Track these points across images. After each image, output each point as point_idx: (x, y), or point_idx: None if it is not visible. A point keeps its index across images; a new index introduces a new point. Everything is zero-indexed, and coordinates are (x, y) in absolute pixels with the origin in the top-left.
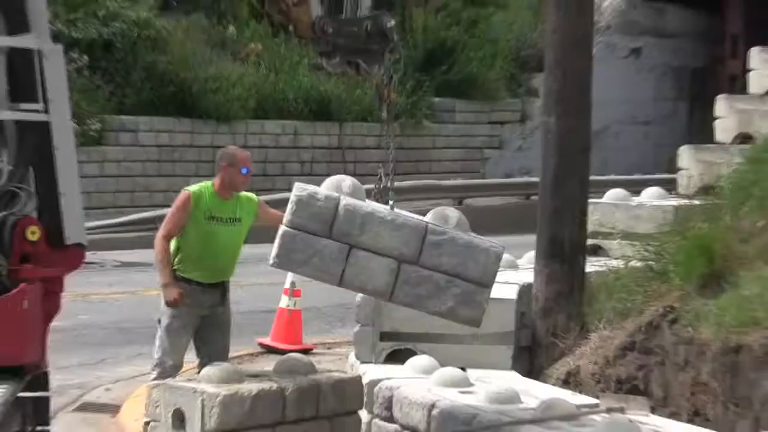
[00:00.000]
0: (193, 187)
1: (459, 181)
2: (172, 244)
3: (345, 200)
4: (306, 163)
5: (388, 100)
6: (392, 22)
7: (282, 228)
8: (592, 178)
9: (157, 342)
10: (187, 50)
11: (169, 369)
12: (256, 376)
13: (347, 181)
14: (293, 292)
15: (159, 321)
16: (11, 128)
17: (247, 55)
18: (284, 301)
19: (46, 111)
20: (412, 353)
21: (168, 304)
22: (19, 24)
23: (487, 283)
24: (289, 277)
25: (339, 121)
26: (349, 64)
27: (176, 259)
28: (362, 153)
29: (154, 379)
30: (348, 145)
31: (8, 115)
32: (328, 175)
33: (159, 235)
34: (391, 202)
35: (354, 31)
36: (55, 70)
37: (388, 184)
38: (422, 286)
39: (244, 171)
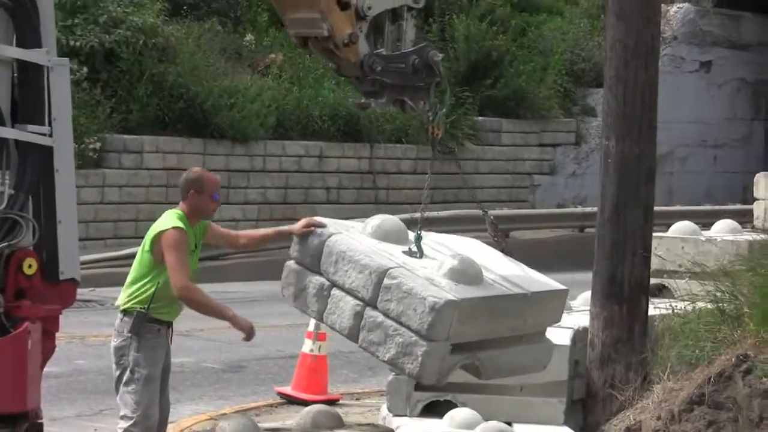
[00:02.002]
0: (178, 223)
1: (505, 211)
2: (144, 284)
3: (333, 236)
4: (332, 189)
5: (433, 135)
6: (439, 56)
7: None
8: (655, 208)
9: (133, 397)
10: (198, 61)
11: (154, 424)
12: (275, 430)
13: (376, 220)
14: (318, 336)
15: (129, 372)
16: (13, 149)
17: (266, 66)
18: (307, 346)
19: (51, 132)
20: (452, 405)
21: (248, 335)
22: (31, 39)
23: (426, 336)
24: (313, 320)
25: (370, 142)
26: (395, 101)
27: (149, 300)
28: (396, 178)
29: None
30: (380, 170)
31: (14, 133)
32: (357, 202)
33: (182, 284)
34: (412, 243)
35: (401, 67)
36: (61, 86)
37: (419, 216)
38: (375, 332)
39: (215, 198)
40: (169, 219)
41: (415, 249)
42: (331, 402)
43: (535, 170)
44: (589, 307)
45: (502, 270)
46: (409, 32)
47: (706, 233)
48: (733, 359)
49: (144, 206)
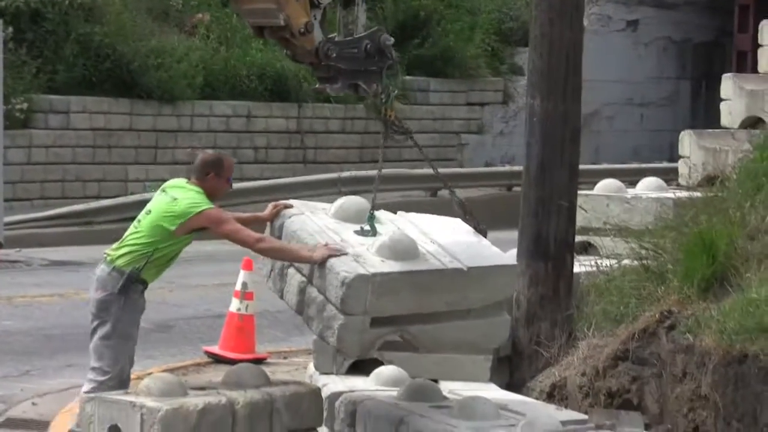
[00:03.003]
0: (208, 201)
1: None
2: (148, 248)
3: (292, 217)
4: (260, 149)
5: (387, 116)
6: (391, 40)
7: None
8: (582, 167)
9: (111, 352)
10: (125, 20)
11: (126, 381)
12: (202, 388)
13: (340, 201)
14: (245, 295)
15: (111, 327)
16: None
17: (193, 26)
18: (235, 305)
19: None
20: (377, 363)
21: (322, 256)
22: None
23: (342, 309)
24: (241, 277)
25: (298, 101)
26: (349, 86)
27: (146, 262)
28: (324, 138)
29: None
30: (308, 129)
31: None
32: (285, 161)
33: (254, 238)
34: (366, 223)
35: (354, 52)
36: None
37: (372, 196)
38: (311, 307)
39: (230, 181)
40: (197, 197)
41: (368, 228)
42: (259, 361)
43: (463, 129)
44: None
45: (452, 247)
46: (361, 17)
47: (632, 191)
48: (657, 315)
49: (71, 167)
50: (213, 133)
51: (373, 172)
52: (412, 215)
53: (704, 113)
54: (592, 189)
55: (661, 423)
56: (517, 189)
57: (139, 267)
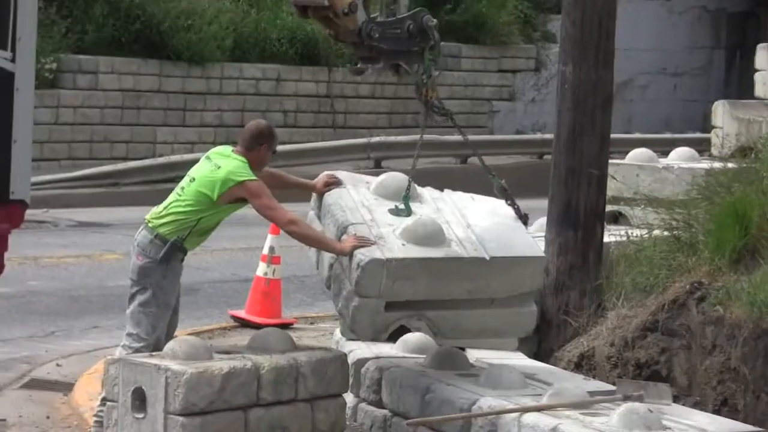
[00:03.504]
0: (252, 173)
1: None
2: (191, 217)
3: (333, 191)
4: (290, 113)
5: (427, 97)
6: (434, 21)
7: None
8: (613, 136)
9: (150, 320)
10: None
11: (161, 348)
12: (227, 352)
13: (381, 177)
14: (272, 259)
15: (151, 294)
16: None
17: None
18: (261, 269)
19: (13, 57)
20: (405, 330)
21: (351, 248)
22: None
23: (356, 291)
24: (268, 241)
25: (328, 65)
26: (391, 66)
27: (185, 227)
28: (354, 103)
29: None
30: (338, 94)
31: None
32: (314, 126)
33: (287, 218)
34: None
35: (396, 33)
36: (27, 4)
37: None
38: (335, 284)
39: (276, 150)
40: (241, 167)
41: (402, 207)
42: (285, 326)
43: (495, 96)
44: (544, 234)
45: (484, 233)
46: None
47: (663, 161)
48: (687, 287)
49: (99, 127)
50: (242, 96)
51: (403, 138)
52: (457, 195)
53: (738, 83)
54: (623, 158)
55: (690, 395)
56: (547, 157)
57: (182, 236)
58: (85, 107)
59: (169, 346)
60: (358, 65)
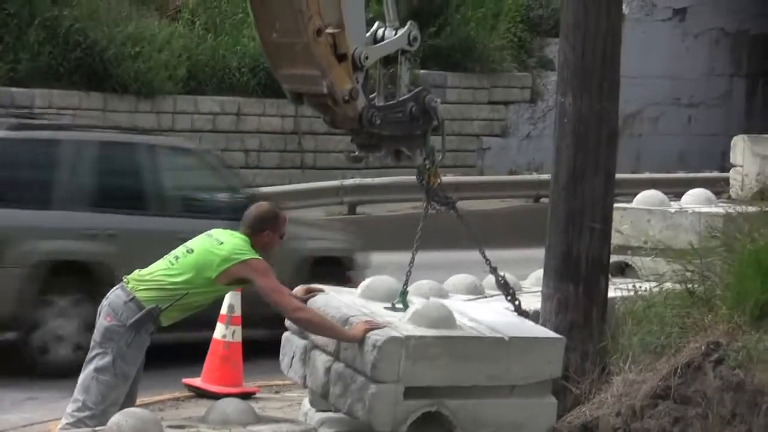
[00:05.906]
0: (255, 253)
1: (449, 178)
2: (179, 288)
3: (317, 297)
4: (252, 152)
5: (430, 184)
6: (437, 101)
7: None
8: (619, 176)
9: (103, 389)
10: (98, 3)
11: (106, 422)
12: (180, 427)
13: (366, 281)
14: (231, 319)
15: (110, 360)
16: None
17: (176, 10)
18: (219, 331)
19: None
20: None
21: (363, 332)
22: None
23: (372, 377)
24: (227, 299)
25: None
26: (392, 152)
27: (169, 298)
28: (324, 140)
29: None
30: (307, 130)
31: None
32: (280, 167)
33: (295, 305)
34: (398, 300)
35: (399, 117)
36: None
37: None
38: (338, 385)
39: (284, 236)
40: (245, 245)
41: (400, 305)
42: (246, 395)
43: (485, 131)
44: (540, 288)
45: (492, 323)
46: (404, 76)
47: (676, 204)
48: (702, 347)
49: None
50: (198, 133)
51: (379, 180)
52: (456, 303)
53: (761, 115)
54: (630, 201)
55: None
56: (545, 200)
57: (162, 307)
58: None
59: (114, 420)
60: (356, 153)
